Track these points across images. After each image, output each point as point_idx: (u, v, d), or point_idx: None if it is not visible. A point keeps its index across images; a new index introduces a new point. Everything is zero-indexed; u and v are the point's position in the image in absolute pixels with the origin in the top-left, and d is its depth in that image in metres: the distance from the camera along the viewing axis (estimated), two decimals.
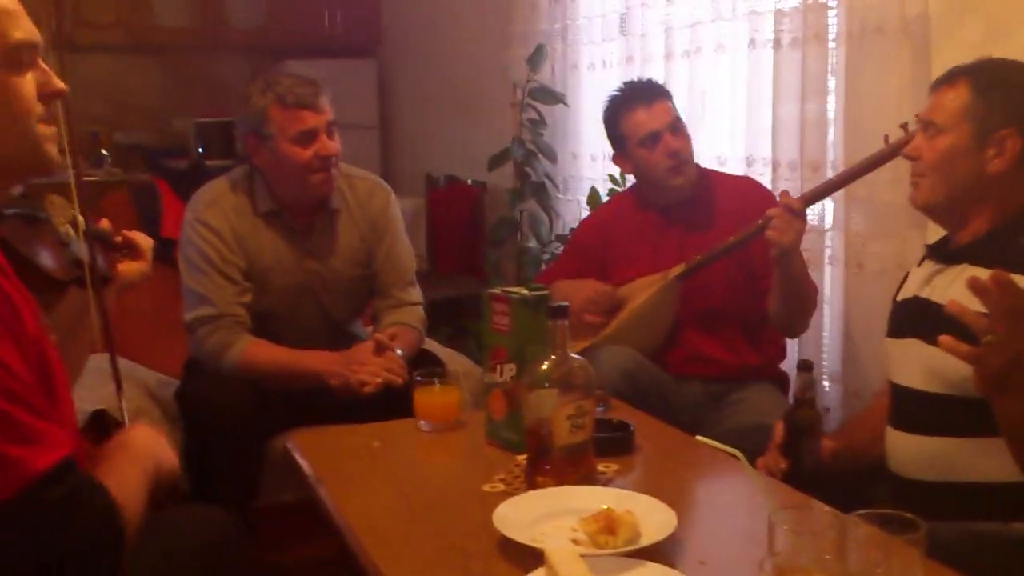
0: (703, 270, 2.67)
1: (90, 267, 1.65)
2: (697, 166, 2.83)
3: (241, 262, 2.65)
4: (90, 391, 2.38)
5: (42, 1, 5.58)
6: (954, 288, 1.83)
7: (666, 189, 2.77)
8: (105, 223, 1.80)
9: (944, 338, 1.47)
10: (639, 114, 2.75)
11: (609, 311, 2.74)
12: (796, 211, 2.38)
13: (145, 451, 1.55)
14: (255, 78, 2.73)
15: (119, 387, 1.75)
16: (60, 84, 1.43)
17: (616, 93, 2.85)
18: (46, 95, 1.40)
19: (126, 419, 1.86)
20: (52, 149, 1.42)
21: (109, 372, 2.52)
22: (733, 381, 2.70)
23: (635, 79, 2.97)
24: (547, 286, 2.79)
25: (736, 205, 2.74)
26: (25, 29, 1.37)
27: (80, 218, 1.66)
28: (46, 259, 1.55)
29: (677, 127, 2.75)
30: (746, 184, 2.89)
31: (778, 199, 2.47)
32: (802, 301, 2.59)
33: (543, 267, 4.06)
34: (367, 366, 2.51)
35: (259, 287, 2.68)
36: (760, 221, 2.48)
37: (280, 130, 2.59)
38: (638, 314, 2.69)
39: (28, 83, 1.38)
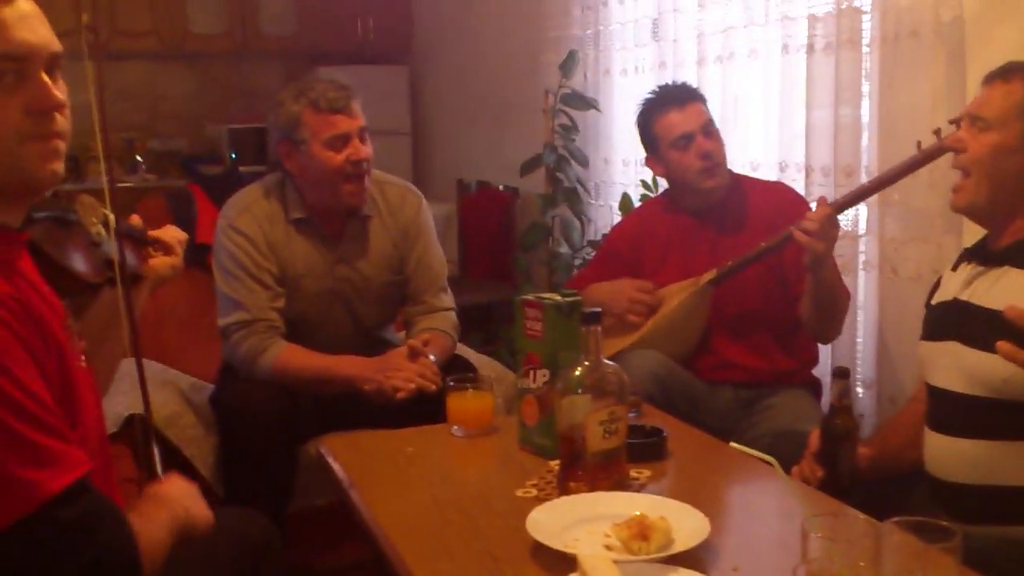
0: (735, 276, 2.66)
1: (120, 266, 1.62)
2: (729, 171, 2.82)
3: (274, 268, 2.67)
4: (124, 396, 2.40)
5: (77, 9, 5.68)
6: (996, 290, 1.82)
7: (698, 192, 2.76)
8: (136, 219, 1.77)
9: (1003, 344, 1.46)
10: (672, 116, 2.75)
11: (653, 309, 2.73)
12: (829, 217, 2.37)
13: (176, 499, 1.53)
14: (287, 85, 2.75)
15: (143, 389, 1.73)
16: (56, 97, 1.31)
17: (649, 96, 2.86)
18: (39, 110, 1.30)
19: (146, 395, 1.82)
20: (45, 166, 1.32)
21: (146, 376, 2.56)
22: (764, 387, 2.69)
23: (669, 82, 2.98)
24: (582, 290, 2.80)
25: (769, 210, 2.73)
26: (10, 40, 1.27)
27: (111, 216, 1.64)
28: (77, 262, 1.53)
29: (710, 130, 2.75)
30: (778, 189, 2.88)
31: (814, 204, 2.46)
32: (834, 307, 2.57)
33: (575, 273, 4.06)
34: (401, 372, 2.52)
35: (291, 293, 2.69)
36: (792, 227, 2.47)
37: (313, 134, 2.61)
38: (669, 319, 2.69)
39: (5, 100, 1.27)
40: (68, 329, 1.42)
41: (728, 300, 2.70)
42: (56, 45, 1.34)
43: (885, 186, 2.45)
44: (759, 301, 2.71)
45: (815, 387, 2.78)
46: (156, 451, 1.80)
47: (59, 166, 1.34)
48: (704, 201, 2.78)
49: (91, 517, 1.25)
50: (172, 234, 1.87)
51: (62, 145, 1.35)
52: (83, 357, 1.47)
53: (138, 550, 1.30)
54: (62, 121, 1.34)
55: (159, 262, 1.81)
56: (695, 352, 2.72)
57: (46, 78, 1.30)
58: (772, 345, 2.73)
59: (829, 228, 2.37)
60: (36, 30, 1.30)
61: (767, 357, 2.72)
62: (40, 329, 1.28)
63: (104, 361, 1.69)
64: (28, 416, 1.20)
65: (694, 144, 2.71)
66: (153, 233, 1.83)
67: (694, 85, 3.10)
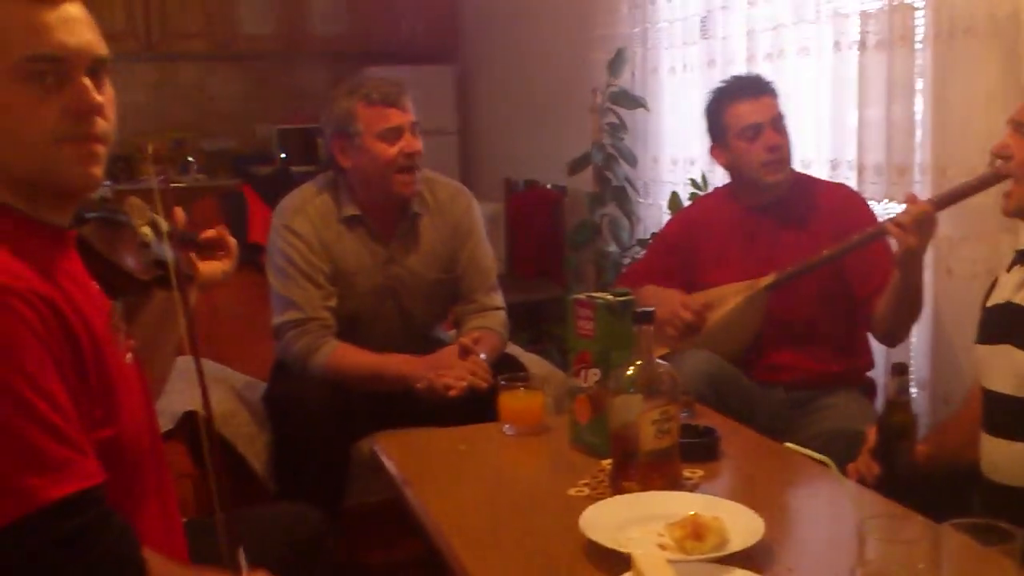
0: (794, 280, 2.63)
1: (174, 266, 1.60)
2: (793, 169, 2.79)
3: (326, 267, 2.69)
4: (180, 394, 2.43)
5: (130, 15, 5.75)
6: None
7: (760, 185, 2.73)
8: (181, 218, 1.75)
9: None
10: (744, 105, 2.72)
11: (690, 330, 2.67)
12: (926, 213, 2.30)
13: None
14: (339, 83, 2.78)
15: (203, 389, 1.74)
16: (95, 100, 1.31)
17: (723, 84, 2.83)
18: (75, 112, 1.29)
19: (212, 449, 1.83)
20: (80, 169, 1.31)
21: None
22: (818, 388, 2.66)
23: (743, 74, 2.94)
24: (634, 288, 2.79)
25: (831, 211, 2.71)
26: (49, 42, 1.27)
27: (160, 219, 1.65)
28: (125, 259, 1.53)
29: (779, 124, 2.72)
30: (842, 191, 2.83)
31: (873, 204, 2.42)
32: (912, 308, 2.52)
33: (623, 271, 4.05)
34: (452, 370, 2.54)
35: (343, 291, 2.72)
36: (871, 230, 2.46)
37: (366, 127, 2.64)
38: (724, 321, 2.66)
39: (43, 100, 1.27)
40: (113, 327, 1.40)
41: (784, 305, 2.67)
42: (101, 49, 1.33)
43: (988, 186, 2.28)
44: (816, 307, 2.68)
45: (870, 389, 2.75)
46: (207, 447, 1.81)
47: (97, 170, 1.34)
48: (765, 196, 2.75)
49: (92, 533, 1.20)
50: (222, 238, 1.86)
51: (101, 149, 1.34)
52: (130, 355, 1.46)
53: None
54: (102, 124, 1.33)
55: (209, 266, 1.81)
56: (747, 353, 2.70)
57: (87, 81, 1.30)
58: (827, 349, 2.70)
59: (925, 224, 2.30)
60: (78, 33, 1.30)
61: (822, 360, 2.69)
62: (74, 327, 1.26)
63: (158, 361, 1.69)
64: (39, 420, 1.17)
65: (762, 136, 2.68)
66: (204, 235, 1.84)
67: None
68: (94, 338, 1.30)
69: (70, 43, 1.29)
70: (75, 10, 1.31)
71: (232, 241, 1.86)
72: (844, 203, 2.73)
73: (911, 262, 2.37)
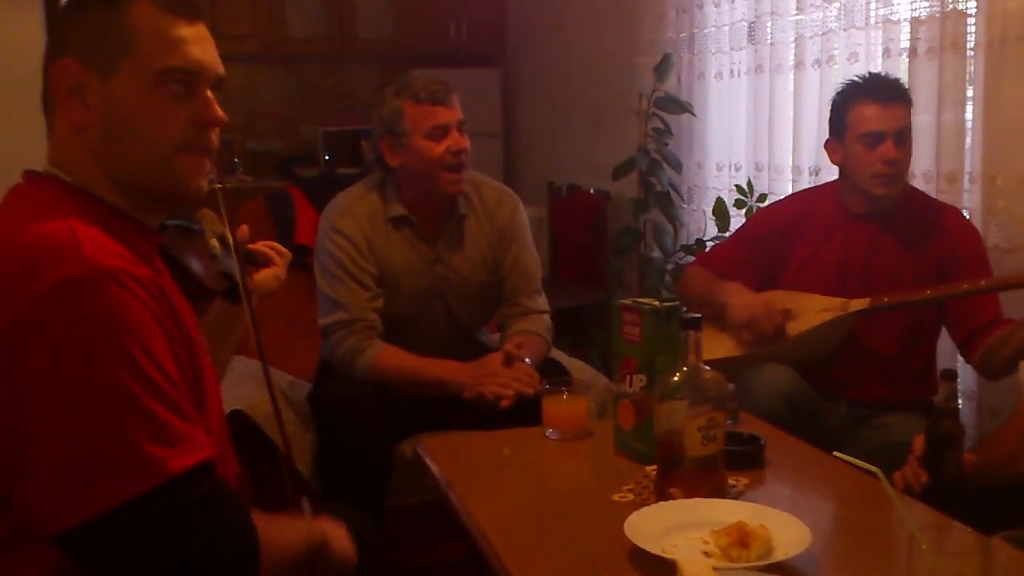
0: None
1: (242, 279, 1.69)
2: (907, 183, 2.68)
3: (373, 269, 2.71)
4: (227, 392, 2.46)
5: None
6: None
7: (866, 195, 2.61)
8: (245, 232, 1.82)
9: None
10: (870, 108, 2.55)
11: (766, 340, 2.61)
12: None
13: (320, 526, 1.52)
14: (388, 84, 2.81)
15: (275, 402, 1.80)
16: (220, 114, 1.43)
17: (856, 79, 2.66)
18: (201, 122, 1.40)
19: (284, 437, 1.88)
20: (192, 181, 1.41)
21: (245, 373, 2.62)
22: (880, 407, 2.61)
23: (881, 74, 2.75)
24: (717, 277, 2.73)
25: (940, 235, 2.60)
26: (187, 56, 1.38)
27: (228, 233, 1.71)
28: (200, 269, 1.60)
29: (904, 136, 2.55)
30: (954, 216, 2.68)
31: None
32: None
33: (667, 278, 4.04)
34: (497, 377, 2.54)
35: (390, 292, 2.74)
36: (983, 283, 2.42)
37: (414, 125, 2.66)
38: (804, 338, 2.58)
39: (173, 109, 1.37)
40: (197, 327, 1.47)
41: (868, 331, 2.60)
42: (221, 69, 1.45)
43: None
44: (900, 338, 2.62)
45: (927, 409, 2.69)
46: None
47: (204, 183, 1.44)
48: (872, 206, 2.63)
49: (212, 500, 1.26)
50: (275, 247, 1.93)
51: (209, 164, 1.44)
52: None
53: (256, 541, 1.31)
54: (215, 140, 1.44)
55: (263, 275, 1.87)
56: (817, 365, 2.62)
57: (211, 95, 1.42)
58: (899, 376, 2.63)
59: None
60: (209, 51, 1.43)
61: (891, 386, 2.63)
62: (177, 319, 1.33)
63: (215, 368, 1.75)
64: (161, 394, 1.23)
65: (882, 146, 2.53)
66: (255, 247, 1.89)
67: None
68: (189, 332, 1.37)
69: (204, 59, 1.41)
70: (205, 30, 1.44)
71: (282, 251, 1.93)
72: (955, 230, 2.62)
73: None
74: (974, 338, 2.53)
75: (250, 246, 1.88)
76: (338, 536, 1.53)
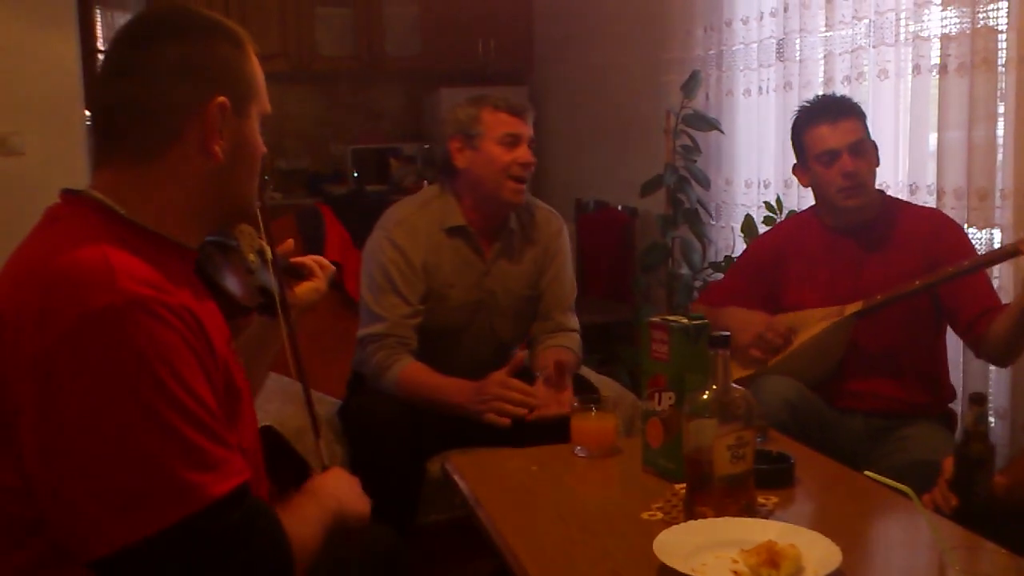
0: (882, 309, 2.58)
1: (280, 295, 1.71)
2: (881, 192, 2.74)
3: (420, 285, 2.74)
4: (256, 407, 2.48)
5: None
6: None
7: (838, 210, 2.68)
8: (289, 245, 1.85)
9: None
10: (822, 129, 2.66)
11: (777, 351, 2.66)
12: None
13: (329, 492, 1.59)
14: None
15: (315, 423, 1.82)
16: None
17: (806, 104, 2.78)
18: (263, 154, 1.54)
19: (324, 459, 1.90)
20: (256, 202, 1.57)
21: (274, 389, 2.63)
22: (898, 418, 2.61)
23: (830, 93, 2.87)
24: (714, 304, 2.75)
25: (922, 236, 2.64)
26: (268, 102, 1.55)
27: (267, 247, 1.73)
28: (235, 286, 1.61)
29: (859, 148, 2.63)
30: (934, 216, 2.74)
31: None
32: None
33: (695, 294, 4.03)
34: (493, 402, 2.56)
35: (436, 304, 2.76)
36: (978, 259, 2.43)
37: (488, 129, 2.72)
38: (807, 347, 2.62)
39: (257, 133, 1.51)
40: (231, 345, 1.49)
41: (869, 333, 2.62)
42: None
43: None
44: (901, 337, 2.63)
45: (950, 420, 2.69)
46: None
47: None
48: (849, 219, 2.69)
49: (250, 522, 1.29)
50: (318, 261, 1.94)
51: None
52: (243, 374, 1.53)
53: (292, 555, 1.35)
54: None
55: (304, 288, 1.88)
56: (828, 379, 2.65)
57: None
58: (909, 379, 2.64)
59: None
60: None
61: (905, 389, 2.63)
62: (208, 341, 1.34)
63: (252, 384, 1.75)
64: (196, 421, 1.25)
65: (839, 161, 2.62)
66: (298, 260, 1.90)
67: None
68: (223, 354, 1.39)
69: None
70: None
71: (326, 264, 1.95)
72: (936, 229, 2.66)
73: None
74: (975, 328, 2.53)
75: (294, 259, 1.89)
76: (348, 495, 1.64)
